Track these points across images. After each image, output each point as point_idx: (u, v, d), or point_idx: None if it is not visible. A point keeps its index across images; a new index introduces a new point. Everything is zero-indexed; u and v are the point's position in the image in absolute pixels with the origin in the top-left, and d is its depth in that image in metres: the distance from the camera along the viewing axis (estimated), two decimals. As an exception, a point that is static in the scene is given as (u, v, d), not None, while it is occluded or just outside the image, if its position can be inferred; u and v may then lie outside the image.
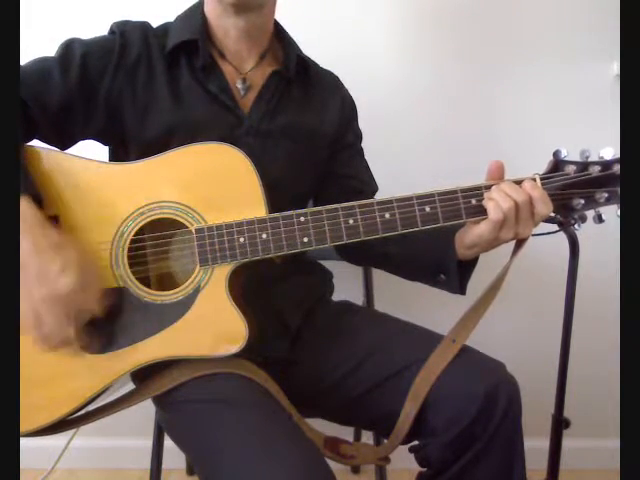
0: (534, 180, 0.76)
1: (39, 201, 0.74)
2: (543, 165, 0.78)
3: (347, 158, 0.99)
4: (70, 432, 0.86)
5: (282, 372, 0.85)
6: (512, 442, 0.80)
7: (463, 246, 0.80)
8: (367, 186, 0.99)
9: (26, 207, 0.70)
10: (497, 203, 0.74)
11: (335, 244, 0.76)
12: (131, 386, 0.86)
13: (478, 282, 0.85)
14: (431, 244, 0.84)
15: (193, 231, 0.77)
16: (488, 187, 0.76)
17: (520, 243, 0.79)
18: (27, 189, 0.72)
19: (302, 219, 0.76)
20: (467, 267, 0.84)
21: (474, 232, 0.77)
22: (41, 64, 0.83)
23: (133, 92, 0.84)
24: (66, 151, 0.84)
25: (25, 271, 0.68)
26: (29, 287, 0.67)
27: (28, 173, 0.76)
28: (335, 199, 0.77)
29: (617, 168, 0.74)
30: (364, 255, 0.98)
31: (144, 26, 0.88)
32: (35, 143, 0.83)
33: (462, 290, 0.85)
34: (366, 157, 1.04)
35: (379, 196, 0.79)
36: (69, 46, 0.84)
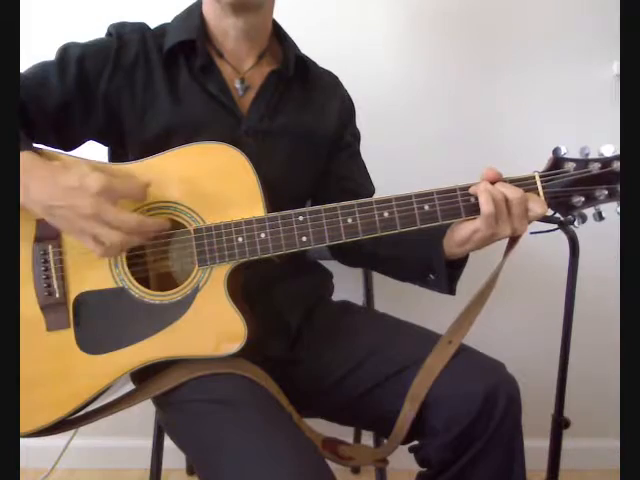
0: (533, 178, 0.76)
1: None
2: (543, 164, 0.77)
3: (344, 159, 0.99)
4: (70, 432, 0.86)
5: (282, 372, 0.85)
6: (512, 442, 0.80)
7: (454, 244, 0.79)
8: (363, 188, 0.98)
9: (28, 155, 0.70)
10: (488, 195, 0.73)
11: (334, 243, 0.76)
12: (131, 386, 0.86)
13: (473, 281, 0.84)
14: (420, 244, 0.84)
15: (192, 231, 0.77)
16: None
17: (514, 241, 0.79)
18: (27, 146, 0.73)
19: (301, 218, 0.76)
20: (456, 267, 0.83)
21: (468, 227, 0.76)
22: (39, 68, 0.84)
23: (131, 93, 0.84)
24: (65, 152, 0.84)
25: (56, 206, 0.67)
26: (72, 211, 0.67)
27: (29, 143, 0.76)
28: (331, 200, 0.77)
29: (617, 165, 0.74)
30: (355, 256, 0.98)
31: (141, 27, 0.89)
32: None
33: (451, 290, 0.85)
34: (366, 156, 1.04)
35: (378, 195, 0.79)
36: (66, 50, 0.85)
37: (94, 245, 0.69)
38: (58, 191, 0.68)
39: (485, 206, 0.73)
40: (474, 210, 0.75)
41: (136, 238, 0.70)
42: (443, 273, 0.82)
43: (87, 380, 0.76)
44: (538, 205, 0.74)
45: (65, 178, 0.68)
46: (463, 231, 0.77)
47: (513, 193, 0.73)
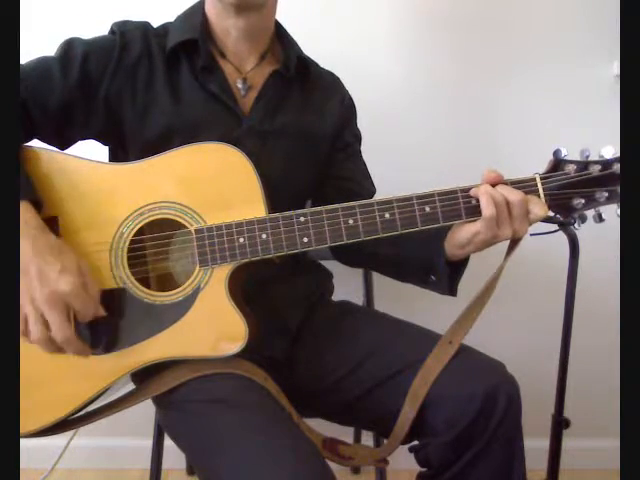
0: (534, 180, 0.76)
1: (38, 205, 0.75)
2: (543, 164, 0.78)
3: (345, 159, 0.99)
4: (70, 432, 0.86)
5: (282, 372, 0.85)
6: (512, 442, 0.80)
7: (455, 245, 0.79)
8: (363, 189, 0.98)
9: (25, 211, 0.71)
10: (489, 198, 0.73)
11: (335, 244, 0.76)
12: (131, 386, 0.86)
13: (474, 282, 0.84)
14: (421, 245, 0.84)
15: (193, 231, 0.77)
16: (488, 187, 0.76)
17: (515, 243, 0.78)
18: (27, 194, 0.73)
19: (302, 219, 0.76)
20: (457, 268, 0.83)
21: (469, 229, 0.76)
22: (41, 64, 0.83)
23: (133, 92, 0.84)
24: (65, 151, 0.85)
25: (26, 274, 0.69)
26: (31, 289, 0.69)
27: (28, 176, 0.76)
28: (331, 200, 0.77)
29: (617, 167, 0.74)
30: (355, 256, 0.98)
31: (144, 26, 0.88)
32: (34, 143, 0.83)
33: (452, 291, 0.85)
34: (366, 157, 1.04)
35: (379, 196, 0.79)
36: (69, 46, 0.84)
37: (23, 326, 0.70)
38: (34, 265, 0.69)
39: (486, 209, 0.73)
40: (475, 212, 0.75)
41: (54, 347, 0.71)
42: (444, 274, 0.82)
43: (87, 380, 0.76)
44: (539, 207, 0.74)
45: (46, 260, 0.69)
46: (464, 233, 0.77)
47: (514, 195, 0.73)
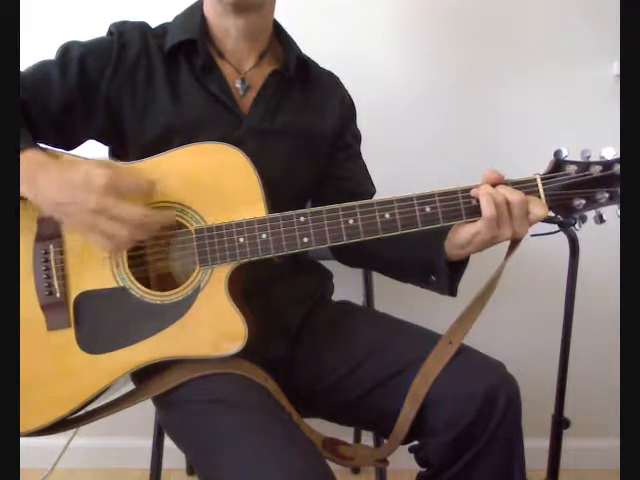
0: (535, 180, 0.76)
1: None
2: (544, 165, 0.77)
3: (344, 159, 0.99)
4: (70, 432, 0.86)
5: (282, 372, 0.85)
6: (512, 442, 0.80)
7: (455, 246, 0.79)
8: (363, 189, 0.98)
9: (34, 152, 0.71)
10: (489, 198, 0.73)
11: (335, 244, 0.76)
12: (131, 386, 0.86)
13: (474, 282, 0.84)
14: (421, 245, 0.84)
15: (193, 231, 0.77)
16: (489, 187, 0.76)
17: (515, 243, 0.78)
18: (33, 144, 0.73)
19: (302, 219, 0.76)
20: (457, 268, 0.83)
21: (469, 230, 0.76)
22: (41, 67, 0.84)
23: (132, 92, 0.84)
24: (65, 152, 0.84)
25: (63, 204, 0.68)
26: (80, 210, 0.67)
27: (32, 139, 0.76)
28: (331, 200, 0.77)
29: (618, 168, 0.74)
30: (355, 256, 0.98)
31: (142, 26, 0.88)
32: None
33: (452, 291, 0.85)
34: (366, 157, 1.04)
35: (379, 196, 0.79)
36: (67, 48, 0.85)
37: (103, 240, 0.69)
38: (65, 188, 0.68)
39: (487, 209, 0.73)
40: (475, 212, 0.75)
41: (144, 231, 0.71)
42: (444, 274, 0.82)
43: (87, 380, 0.76)
44: (539, 208, 0.74)
45: (71, 174, 0.69)
46: (464, 233, 0.77)
47: (514, 196, 0.73)
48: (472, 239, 0.76)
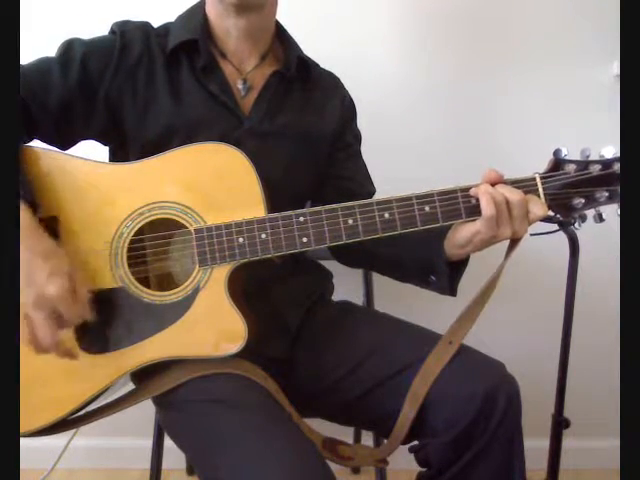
0: (534, 179, 0.76)
1: (35, 206, 0.75)
2: (543, 164, 0.77)
3: (344, 159, 0.99)
4: (70, 432, 0.86)
5: (282, 372, 0.85)
6: (512, 442, 0.80)
7: (455, 245, 0.79)
8: (363, 189, 0.98)
9: (21, 213, 0.71)
10: (489, 198, 0.73)
11: (334, 244, 0.76)
12: (131, 386, 0.86)
13: (474, 282, 0.84)
14: (421, 245, 0.84)
15: (192, 231, 0.77)
16: (488, 187, 0.76)
17: (514, 242, 0.79)
18: (24, 195, 0.73)
19: (301, 219, 0.76)
20: (457, 268, 0.83)
21: (469, 229, 0.76)
22: (41, 64, 0.84)
23: (133, 92, 0.84)
24: (66, 151, 0.84)
25: (22, 275, 0.68)
26: (21, 293, 0.68)
27: (26, 177, 0.76)
28: (330, 200, 0.77)
29: (618, 167, 0.74)
30: (355, 256, 0.98)
31: (145, 26, 0.88)
32: (34, 143, 0.83)
33: (452, 291, 0.85)
34: (366, 157, 1.04)
35: (379, 196, 0.79)
36: (69, 46, 0.85)
37: (27, 328, 0.69)
38: (26, 269, 0.68)
39: (486, 208, 0.73)
40: (475, 211, 0.75)
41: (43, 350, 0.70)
42: (444, 274, 0.82)
43: (87, 380, 0.76)
44: (538, 207, 0.74)
45: (38, 267, 0.68)
46: (464, 233, 0.77)
47: (514, 195, 0.73)
48: (472, 238, 0.76)
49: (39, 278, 0.68)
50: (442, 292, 0.86)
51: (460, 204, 0.76)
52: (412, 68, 1.35)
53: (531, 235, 0.79)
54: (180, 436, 0.81)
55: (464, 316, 0.83)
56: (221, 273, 0.76)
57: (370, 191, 1.00)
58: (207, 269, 0.77)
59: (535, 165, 0.79)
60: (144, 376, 0.82)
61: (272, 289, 0.89)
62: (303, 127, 0.91)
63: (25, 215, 0.71)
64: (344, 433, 0.95)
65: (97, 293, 0.75)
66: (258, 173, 0.76)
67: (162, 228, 0.79)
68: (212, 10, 0.88)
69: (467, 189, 0.76)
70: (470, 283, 0.86)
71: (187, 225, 0.77)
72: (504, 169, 0.77)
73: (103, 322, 0.76)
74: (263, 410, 0.74)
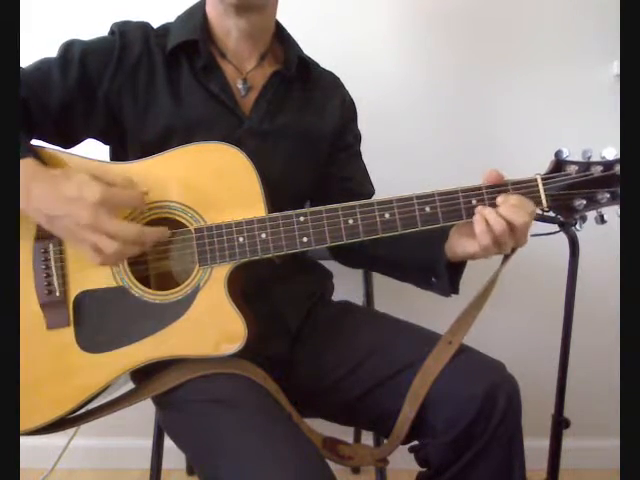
0: (535, 180, 0.76)
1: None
2: (544, 164, 0.77)
3: (344, 159, 0.99)
4: (70, 432, 0.86)
5: (282, 372, 0.85)
6: (512, 442, 0.80)
7: (455, 255, 0.80)
8: (363, 188, 0.99)
9: (30, 162, 0.71)
10: (483, 227, 0.72)
11: (335, 244, 0.76)
12: (131, 385, 0.86)
13: (474, 282, 0.84)
14: (421, 247, 0.84)
15: (192, 231, 0.77)
16: (489, 188, 0.76)
17: (514, 249, 0.78)
18: (30, 152, 0.73)
19: (301, 219, 0.76)
20: (458, 268, 0.84)
21: (467, 250, 0.76)
22: (41, 65, 0.84)
23: (133, 92, 0.84)
24: (66, 151, 0.84)
25: (58, 218, 0.68)
26: (73, 224, 0.67)
27: (32, 146, 0.76)
28: (330, 200, 0.77)
29: (619, 168, 0.74)
30: (355, 257, 0.98)
31: (144, 26, 0.88)
32: (33, 142, 0.83)
33: (454, 290, 0.85)
34: (366, 157, 1.04)
35: (379, 196, 0.79)
36: (69, 46, 0.85)
37: (93, 254, 0.69)
38: (58, 201, 0.68)
39: (481, 238, 0.73)
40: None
41: (135, 247, 0.71)
42: (445, 276, 0.83)
43: (87, 379, 0.76)
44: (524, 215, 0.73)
45: (65, 188, 0.68)
46: (462, 251, 0.78)
47: (519, 218, 0.71)
48: (471, 257, 0.77)
49: (74, 195, 0.67)
50: (443, 294, 0.85)
51: (461, 205, 0.76)
52: (412, 68, 1.35)
53: (532, 236, 0.79)
54: (180, 436, 0.81)
55: (464, 316, 0.83)
56: (221, 273, 0.76)
57: (370, 191, 1.00)
58: (207, 268, 0.77)
59: (535, 164, 0.79)
60: (144, 376, 0.82)
61: (272, 289, 0.89)
62: (303, 127, 0.91)
63: (32, 163, 0.70)
64: (344, 433, 0.95)
65: (98, 291, 0.75)
66: (258, 173, 0.76)
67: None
68: (212, 10, 0.88)
69: (468, 190, 0.76)
70: (470, 283, 0.86)
71: (187, 224, 0.77)
72: (505, 169, 0.77)
73: (103, 321, 0.76)
74: (263, 410, 0.74)
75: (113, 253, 0.68)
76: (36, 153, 0.75)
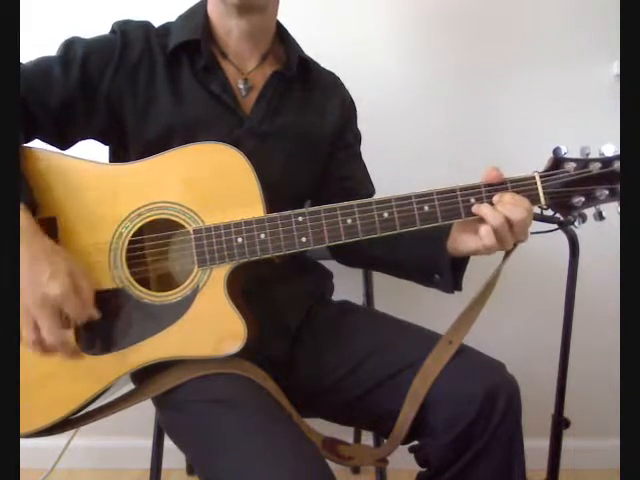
0: (533, 178, 0.76)
1: (34, 207, 0.75)
2: (543, 164, 0.77)
3: (344, 159, 0.99)
4: (70, 432, 0.86)
5: (282, 372, 0.85)
6: (512, 442, 0.80)
7: (457, 252, 0.81)
8: (363, 188, 0.98)
9: (21, 215, 0.71)
10: (488, 228, 0.73)
11: (333, 244, 0.76)
12: (131, 386, 0.86)
13: (474, 282, 0.84)
14: (422, 245, 0.84)
15: (191, 232, 0.77)
16: (487, 186, 0.76)
17: (514, 245, 0.79)
18: (23, 197, 0.73)
19: (300, 219, 0.76)
20: (460, 265, 0.84)
21: (470, 246, 0.77)
22: (42, 63, 0.84)
23: (134, 92, 0.84)
24: (65, 152, 0.84)
25: (20, 280, 0.69)
26: (23, 294, 0.69)
27: (25, 178, 0.76)
28: (330, 200, 0.77)
29: (618, 165, 0.74)
30: (355, 257, 0.98)
31: (146, 26, 0.88)
32: (34, 143, 0.83)
33: (457, 286, 0.85)
34: (365, 156, 1.04)
35: (378, 195, 0.79)
36: (70, 45, 0.85)
37: (30, 331, 0.70)
38: (28, 272, 0.69)
39: (485, 238, 0.73)
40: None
41: (56, 349, 0.71)
42: (448, 273, 0.83)
43: (87, 380, 0.76)
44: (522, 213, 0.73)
45: (40, 268, 0.69)
46: (465, 248, 0.78)
47: (516, 214, 0.73)
48: (473, 254, 0.78)
49: (41, 277, 0.69)
50: (446, 290, 0.86)
51: (459, 203, 0.76)
52: (412, 68, 1.35)
53: (531, 234, 0.79)
54: (180, 436, 0.81)
55: (464, 316, 0.83)
56: (220, 273, 0.76)
57: (370, 191, 1.00)
58: (206, 269, 0.77)
59: (534, 164, 0.79)
60: (144, 376, 0.82)
61: (272, 289, 0.89)
62: (303, 127, 0.91)
63: (24, 216, 0.71)
64: (344, 433, 0.94)
65: (98, 293, 0.75)
66: (257, 173, 0.76)
67: (161, 228, 0.79)
68: (213, 10, 0.88)
69: (466, 188, 0.76)
70: (470, 283, 0.86)
71: (186, 225, 0.77)
72: (504, 168, 0.77)
73: (103, 323, 0.76)
74: (263, 410, 0.74)
75: (28, 341, 0.70)
76: (32, 200, 0.75)
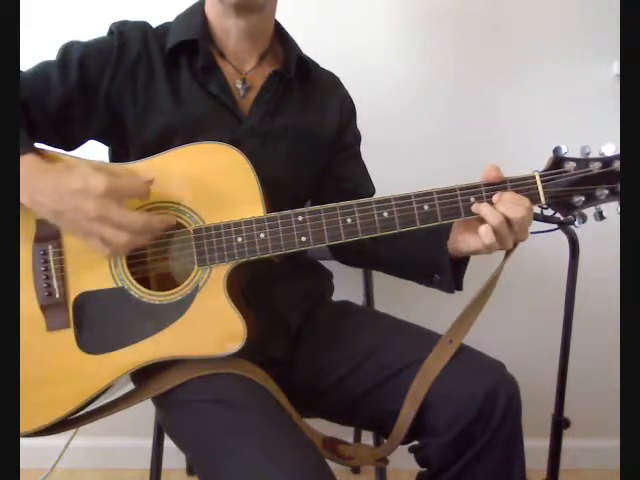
0: (533, 178, 0.76)
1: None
2: (543, 163, 0.77)
3: (344, 159, 0.99)
4: (70, 432, 0.86)
5: (282, 372, 0.85)
6: (512, 442, 0.80)
7: (457, 252, 0.81)
8: (363, 188, 0.98)
9: (32, 157, 0.71)
10: (488, 227, 0.73)
11: (333, 243, 0.76)
12: (131, 386, 0.86)
13: (474, 282, 0.85)
14: (422, 244, 0.84)
15: (191, 231, 0.77)
16: (487, 185, 0.76)
17: (515, 245, 0.79)
18: (30, 148, 0.73)
19: (300, 218, 0.76)
20: (460, 264, 0.84)
21: (470, 246, 0.77)
22: (41, 68, 0.84)
23: (133, 92, 0.84)
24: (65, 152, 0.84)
25: (63, 214, 0.68)
26: (79, 217, 0.67)
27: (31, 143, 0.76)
28: (330, 200, 0.77)
29: (618, 164, 0.74)
30: (355, 256, 0.98)
31: (143, 26, 0.88)
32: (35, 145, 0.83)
33: (458, 286, 0.85)
34: (365, 156, 1.04)
35: (378, 195, 0.79)
36: (68, 49, 0.85)
37: (101, 246, 0.69)
38: (63, 194, 0.68)
39: (485, 237, 0.73)
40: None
41: (143, 237, 0.71)
42: (449, 273, 0.83)
43: (87, 380, 0.76)
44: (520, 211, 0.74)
45: (69, 181, 0.68)
46: (465, 247, 0.78)
47: (516, 213, 0.73)
48: (473, 253, 0.78)
49: (77, 186, 0.67)
50: (446, 290, 0.86)
51: (459, 203, 0.76)
52: (412, 68, 1.35)
53: (531, 233, 0.79)
54: (180, 436, 0.81)
55: (464, 316, 0.83)
56: (220, 273, 0.76)
57: (370, 191, 1.00)
58: (206, 269, 0.77)
59: (534, 163, 0.79)
60: (144, 376, 0.82)
61: (272, 289, 0.89)
62: (302, 127, 0.91)
63: (30, 159, 0.70)
64: (344, 433, 0.94)
65: (97, 292, 0.75)
66: (257, 173, 0.76)
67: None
68: (212, 10, 0.88)
69: (466, 188, 0.76)
70: (470, 283, 0.86)
71: (186, 225, 0.77)
72: (504, 167, 0.77)
73: (103, 322, 0.76)
74: (263, 410, 0.74)
75: (122, 244, 0.68)
76: (36, 149, 0.75)
